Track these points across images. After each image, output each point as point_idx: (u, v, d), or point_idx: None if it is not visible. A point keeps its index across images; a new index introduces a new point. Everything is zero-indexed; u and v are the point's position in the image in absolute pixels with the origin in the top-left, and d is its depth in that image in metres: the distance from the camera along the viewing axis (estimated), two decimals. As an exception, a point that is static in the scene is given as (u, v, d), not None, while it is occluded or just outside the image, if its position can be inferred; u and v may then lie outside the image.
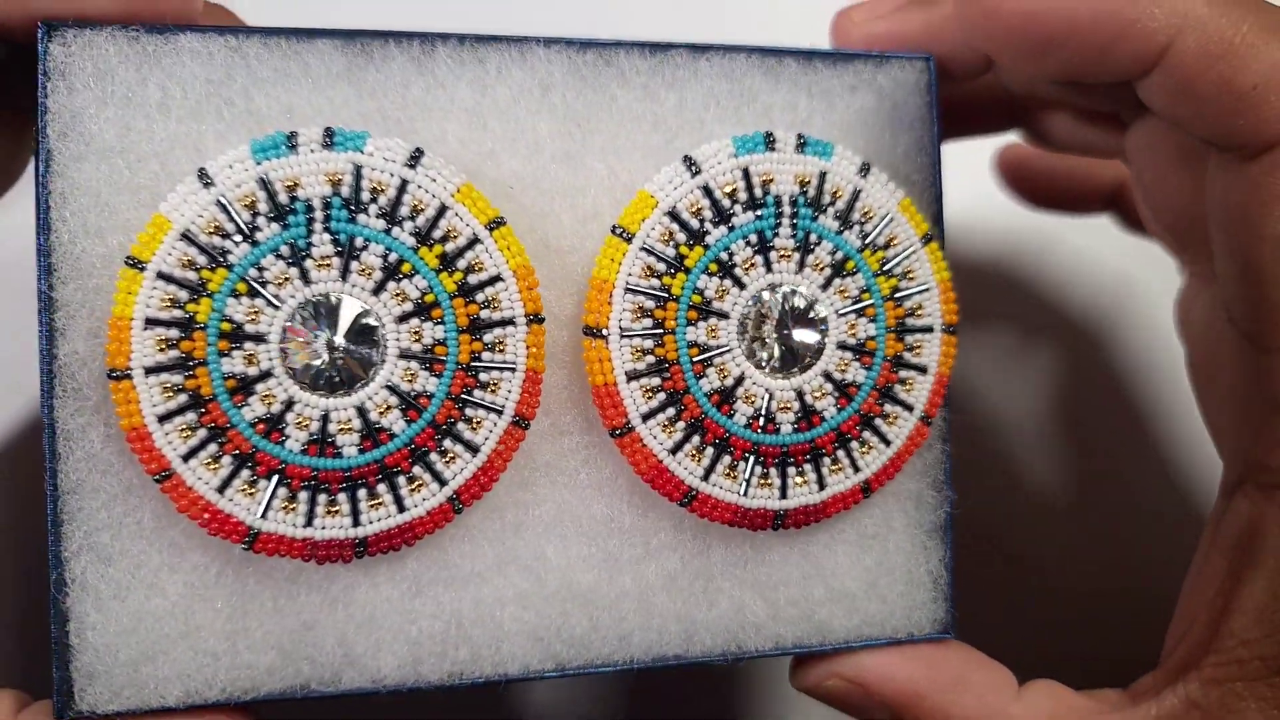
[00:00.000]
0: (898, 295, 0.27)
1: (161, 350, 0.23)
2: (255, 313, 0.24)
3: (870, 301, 0.27)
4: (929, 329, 0.28)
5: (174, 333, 0.23)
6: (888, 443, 0.27)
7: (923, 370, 0.28)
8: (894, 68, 0.29)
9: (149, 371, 0.23)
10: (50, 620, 0.23)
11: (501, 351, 0.25)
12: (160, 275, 0.23)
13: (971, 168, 0.30)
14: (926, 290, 0.28)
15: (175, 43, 0.24)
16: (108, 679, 0.24)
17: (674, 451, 0.26)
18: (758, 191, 0.26)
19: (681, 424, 0.26)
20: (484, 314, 0.25)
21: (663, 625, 0.27)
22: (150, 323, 0.23)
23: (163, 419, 0.23)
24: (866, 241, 0.27)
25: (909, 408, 0.28)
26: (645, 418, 0.26)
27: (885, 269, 0.27)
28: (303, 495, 0.24)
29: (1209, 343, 0.28)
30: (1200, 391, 0.28)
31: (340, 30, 0.25)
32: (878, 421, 0.27)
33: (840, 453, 0.27)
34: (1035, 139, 0.33)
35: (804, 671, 0.29)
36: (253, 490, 0.24)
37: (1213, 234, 0.26)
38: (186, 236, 0.23)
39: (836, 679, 0.28)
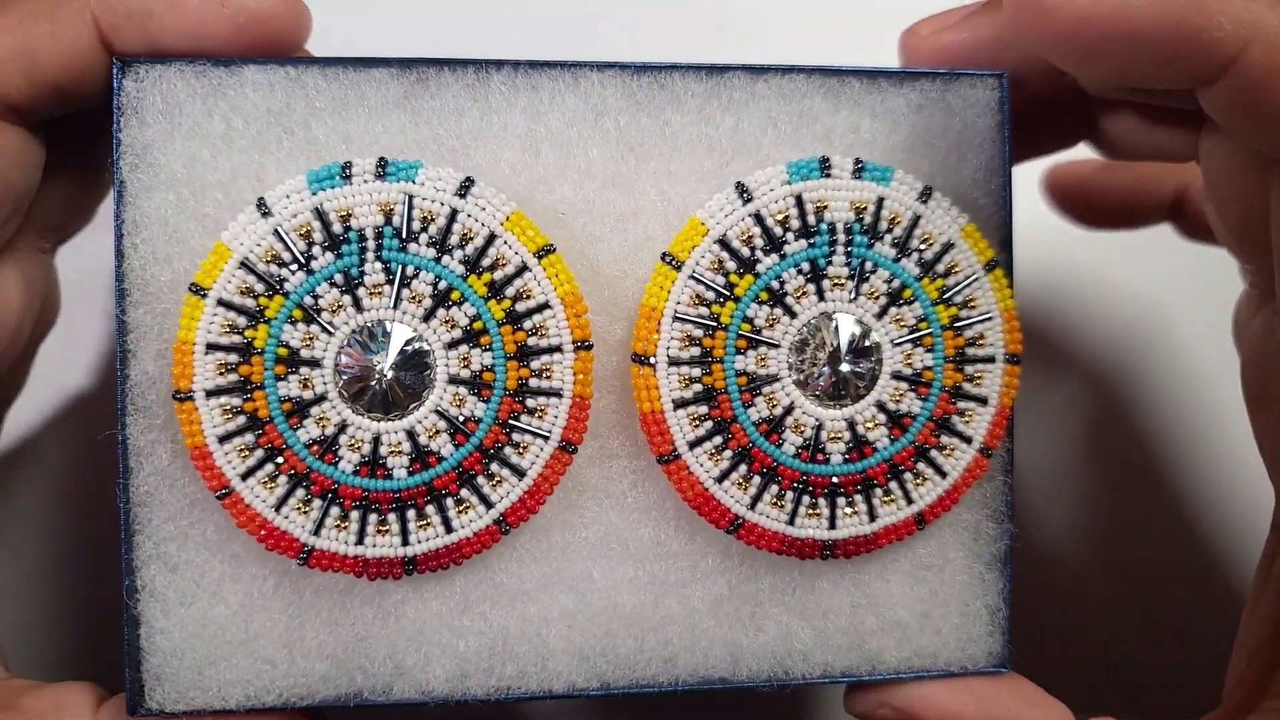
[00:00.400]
0: (958, 324, 0.27)
1: (221, 374, 0.24)
2: (310, 339, 0.25)
3: (928, 330, 0.26)
4: (991, 359, 0.27)
5: (233, 357, 0.24)
6: (944, 475, 0.27)
7: (983, 401, 0.27)
8: (963, 86, 0.28)
9: (209, 394, 0.24)
10: (123, 624, 0.25)
11: (548, 378, 0.25)
12: (220, 302, 0.24)
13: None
14: (988, 319, 0.27)
15: (239, 75, 0.25)
16: (174, 681, 0.25)
17: (720, 480, 0.26)
18: (811, 219, 0.26)
19: (729, 452, 0.26)
20: (531, 341, 0.25)
21: (709, 649, 0.27)
22: (211, 348, 0.24)
23: (222, 439, 0.24)
24: (925, 269, 0.26)
25: (967, 440, 0.27)
26: (692, 445, 0.26)
27: (945, 297, 0.27)
28: (354, 515, 0.25)
29: (1264, 356, 0.27)
30: (1252, 407, 0.27)
31: (397, 59, 0.26)
32: (933, 453, 0.27)
33: (893, 484, 0.27)
34: (1104, 147, 0.31)
35: (856, 699, 0.28)
36: (307, 509, 0.25)
37: (1276, 249, 0.25)
38: (245, 264, 0.24)
39: (887, 709, 0.28)
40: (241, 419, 0.24)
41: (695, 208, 0.27)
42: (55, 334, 0.28)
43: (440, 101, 0.26)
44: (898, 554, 0.28)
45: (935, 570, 0.28)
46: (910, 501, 0.27)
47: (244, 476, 0.24)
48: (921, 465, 0.27)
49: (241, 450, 0.24)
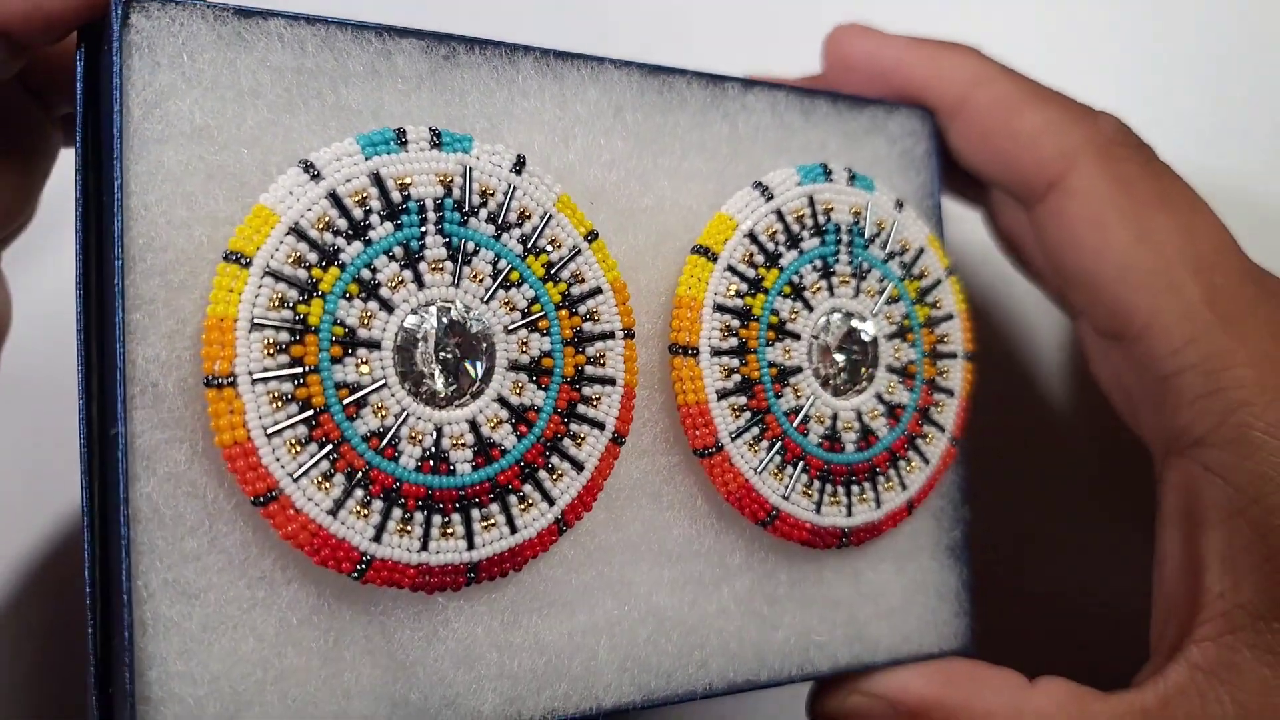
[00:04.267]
0: (931, 322, 0.30)
1: (270, 354, 0.21)
2: (369, 316, 0.22)
3: (910, 327, 0.29)
4: (954, 355, 0.30)
5: (284, 336, 0.21)
6: (927, 461, 0.29)
7: (950, 393, 0.30)
8: (902, 116, 0.32)
9: (255, 380, 0.21)
10: (126, 668, 0.20)
11: (603, 365, 0.25)
12: (269, 272, 0.21)
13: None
14: (951, 319, 0.30)
15: (265, 27, 0.23)
16: (192, 739, 0.21)
17: (759, 471, 0.27)
18: (820, 219, 0.28)
19: (765, 443, 0.27)
20: (586, 326, 0.25)
21: (736, 649, 0.27)
22: (257, 325, 0.21)
23: (272, 434, 0.21)
24: (906, 271, 0.29)
25: (941, 429, 0.30)
26: (734, 437, 0.26)
27: (922, 298, 0.30)
28: (418, 517, 0.22)
29: (1103, 364, 0.31)
30: (1121, 409, 0.32)
31: (429, 31, 0.25)
32: (919, 441, 0.29)
33: (892, 471, 0.29)
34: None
35: (823, 696, 0.29)
36: (366, 511, 0.22)
37: (1049, 279, 0.32)
38: (296, 230, 0.22)
39: (858, 695, 0.29)
40: (293, 407, 0.21)
41: (701, 205, 0.28)
42: None
43: (469, 80, 0.25)
44: (884, 543, 0.30)
45: (913, 557, 0.30)
46: (905, 488, 0.29)
47: (296, 477, 0.21)
48: (911, 453, 0.29)
49: (292, 445, 0.21)
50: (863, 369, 0.28)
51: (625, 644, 0.26)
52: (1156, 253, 0.29)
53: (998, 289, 0.39)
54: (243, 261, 0.21)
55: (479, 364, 0.23)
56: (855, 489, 0.28)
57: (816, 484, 0.27)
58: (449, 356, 0.23)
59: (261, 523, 0.21)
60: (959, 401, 0.30)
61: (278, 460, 0.21)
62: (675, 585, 0.27)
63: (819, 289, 0.28)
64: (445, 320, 0.23)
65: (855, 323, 0.28)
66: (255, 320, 0.21)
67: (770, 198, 0.28)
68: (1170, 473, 0.29)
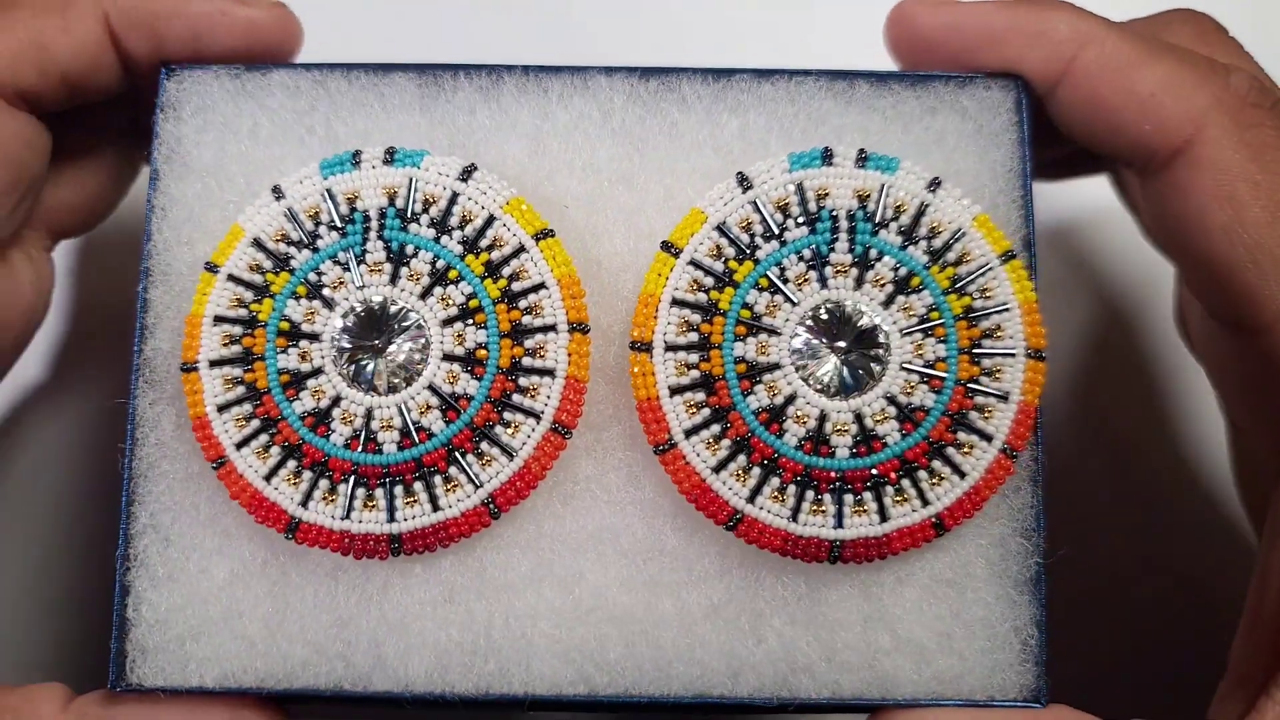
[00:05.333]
0: (972, 315, 0.26)
1: (225, 345, 0.26)
2: (312, 313, 0.26)
3: (939, 321, 0.26)
4: (1011, 353, 0.26)
5: (238, 329, 0.26)
6: (962, 475, 0.26)
7: (1004, 398, 0.26)
8: (978, 88, 0.28)
9: (213, 364, 0.26)
10: (113, 596, 0.26)
11: (542, 357, 0.26)
12: (230, 277, 0.26)
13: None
14: (1006, 310, 0.26)
15: (268, 78, 0.28)
16: (156, 655, 0.26)
17: (717, 470, 0.26)
18: (812, 206, 0.26)
19: (727, 441, 0.26)
20: (526, 320, 0.26)
21: (705, 659, 0.26)
22: (219, 320, 0.26)
23: (221, 408, 0.25)
24: (934, 257, 0.26)
25: (988, 437, 0.26)
26: (688, 433, 0.26)
27: (957, 286, 0.26)
28: (342, 488, 0.25)
29: (1213, 347, 0.29)
30: (1225, 401, 0.29)
31: (414, 64, 0.28)
32: (950, 451, 0.26)
33: (905, 482, 0.26)
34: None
35: None
36: (297, 480, 0.25)
37: (1170, 252, 0.29)
38: (256, 242, 0.26)
39: None
40: (241, 389, 0.26)
41: (701, 200, 0.27)
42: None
43: (454, 103, 0.28)
44: (914, 564, 0.26)
45: (957, 587, 0.27)
46: (926, 502, 0.26)
47: (239, 446, 0.25)
48: (937, 463, 0.26)
49: (239, 420, 0.26)
50: (865, 366, 0.26)
51: (566, 635, 0.26)
52: None
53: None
54: (215, 269, 0.26)
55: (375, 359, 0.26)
56: (849, 498, 0.25)
57: (793, 489, 0.25)
58: (348, 346, 0.26)
59: (223, 485, 0.26)
60: (1016, 406, 0.26)
61: (225, 431, 0.25)
62: (631, 584, 0.26)
63: (805, 280, 0.26)
64: (354, 315, 0.26)
65: (851, 314, 0.26)
66: (217, 316, 0.26)
67: (749, 188, 0.26)
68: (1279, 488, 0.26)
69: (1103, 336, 0.34)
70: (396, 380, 0.26)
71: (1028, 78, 0.28)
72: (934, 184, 0.27)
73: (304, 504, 0.25)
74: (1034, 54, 0.28)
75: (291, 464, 0.25)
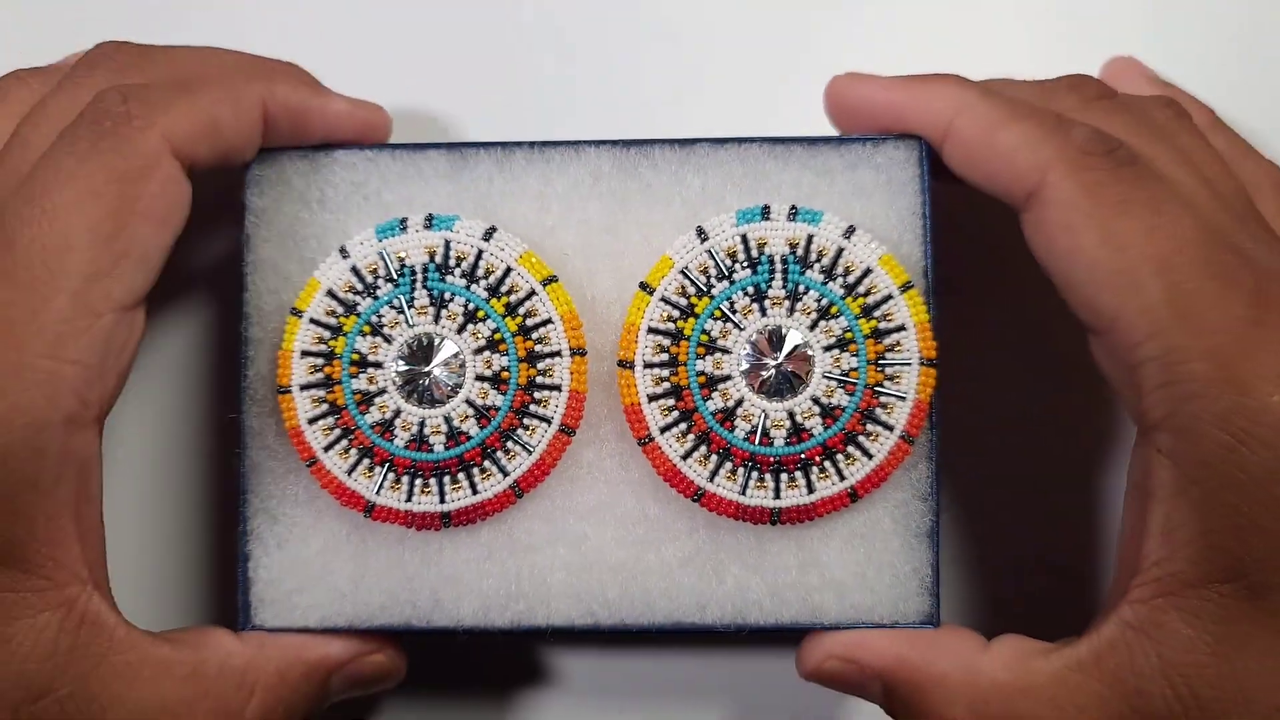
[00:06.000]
0: (878, 334, 0.34)
1: (311, 373, 0.34)
2: (376, 347, 0.34)
3: (852, 339, 0.34)
4: (907, 362, 0.34)
5: (320, 361, 0.34)
6: (870, 456, 0.34)
7: (902, 397, 0.34)
8: (888, 148, 0.36)
9: (303, 388, 0.34)
10: (237, 560, 0.34)
11: (551, 376, 0.34)
12: (311, 320, 0.34)
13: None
14: (903, 329, 0.34)
15: (331, 156, 0.35)
16: (272, 605, 0.35)
17: (685, 457, 0.34)
18: (754, 252, 0.34)
19: (692, 436, 0.34)
20: (538, 348, 0.34)
21: (680, 597, 0.35)
22: (304, 354, 0.34)
23: (311, 421, 0.34)
24: (849, 290, 0.34)
25: (889, 428, 0.34)
26: (662, 430, 0.34)
27: (866, 312, 0.34)
28: (405, 479, 0.34)
29: (1096, 354, 0.33)
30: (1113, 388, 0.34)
31: (444, 144, 0.36)
32: (861, 439, 0.34)
33: (827, 463, 0.34)
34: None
35: (805, 657, 0.35)
36: (371, 474, 0.34)
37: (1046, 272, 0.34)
38: (330, 293, 0.34)
39: (833, 660, 0.34)
40: (325, 406, 0.34)
41: (669, 248, 0.35)
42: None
43: (475, 173, 0.36)
44: (836, 523, 0.35)
45: (868, 539, 0.35)
46: (843, 478, 0.34)
47: (326, 449, 0.34)
48: (851, 449, 0.34)
49: (325, 429, 0.34)
50: (795, 376, 0.34)
51: (576, 581, 0.35)
52: (1120, 254, 0.31)
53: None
54: (299, 314, 0.34)
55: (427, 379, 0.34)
56: (784, 476, 0.34)
57: (742, 470, 0.34)
58: (404, 370, 0.34)
59: (315, 479, 0.34)
60: (913, 403, 0.34)
61: (315, 439, 0.34)
62: (624, 543, 0.35)
63: (749, 311, 0.34)
64: (407, 347, 0.34)
65: (784, 336, 0.34)
66: (303, 350, 0.34)
67: (705, 239, 0.34)
68: (1134, 452, 0.32)
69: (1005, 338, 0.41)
70: (443, 395, 0.34)
71: (924, 137, 0.35)
72: (849, 231, 0.34)
73: (377, 492, 0.34)
74: (923, 120, 0.35)
75: (366, 462, 0.34)
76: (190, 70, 0.34)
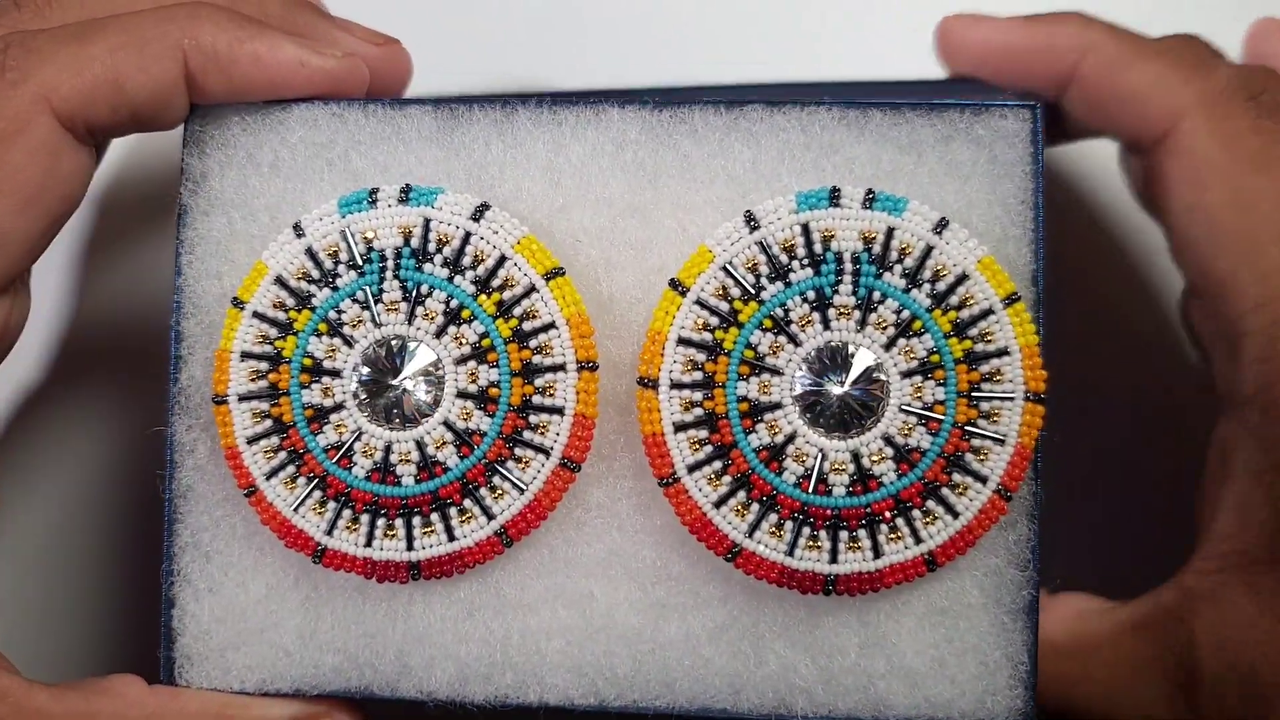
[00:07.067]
0: (972, 358, 0.26)
1: (253, 380, 0.27)
2: (333, 351, 0.27)
3: (940, 364, 0.26)
4: (1009, 396, 0.26)
5: (264, 365, 0.27)
6: (955, 514, 0.27)
7: (1000, 440, 0.26)
8: (993, 117, 0.28)
9: (241, 398, 0.27)
10: (161, 608, 0.28)
11: (551, 395, 0.27)
12: (255, 314, 0.27)
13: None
14: (1006, 354, 0.26)
15: (288, 112, 0.28)
16: (201, 662, 0.28)
17: (719, 505, 0.27)
18: (818, 248, 0.27)
19: (728, 478, 0.27)
20: (536, 359, 0.27)
21: (708, 677, 0.28)
22: (245, 355, 0.27)
23: (250, 441, 0.27)
24: (937, 301, 0.26)
25: (982, 479, 0.26)
26: (691, 469, 0.27)
27: (958, 330, 0.26)
28: (364, 518, 0.27)
29: (1195, 318, 0.32)
30: (1209, 361, 0.32)
31: (431, 99, 0.28)
32: (944, 491, 0.27)
33: (900, 520, 0.27)
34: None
35: None
36: (322, 510, 0.27)
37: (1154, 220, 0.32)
38: (279, 280, 0.27)
39: None
40: (268, 422, 0.27)
41: (708, 238, 0.28)
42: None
43: (469, 135, 0.28)
44: (910, 595, 0.28)
45: (951, 616, 0.28)
46: (919, 540, 0.27)
47: (268, 477, 0.27)
48: (931, 503, 0.27)
49: (267, 452, 0.27)
50: (864, 407, 0.26)
51: (578, 651, 0.28)
52: (1245, 215, 0.29)
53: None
54: (241, 305, 0.27)
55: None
56: (844, 535, 0.26)
57: (790, 525, 0.26)
58: (367, 382, 0.27)
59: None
60: (1014, 448, 0.26)
61: (255, 463, 0.27)
62: (639, 606, 0.28)
63: (808, 322, 0.26)
64: (373, 352, 0.27)
65: (852, 355, 0.26)
66: (244, 352, 0.27)
67: (756, 228, 0.27)
68: (1220, 425, 0.31)
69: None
70: (416, 414, 0.27)
71: (1045, 85, 0.31)
72: (940, 225, 0.27)
73: (329, 532, 0.27)
74: (1045, 64, 0.31)
75: (317, 494, 0.27)
76: (102, 13, 0.28)
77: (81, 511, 0.33)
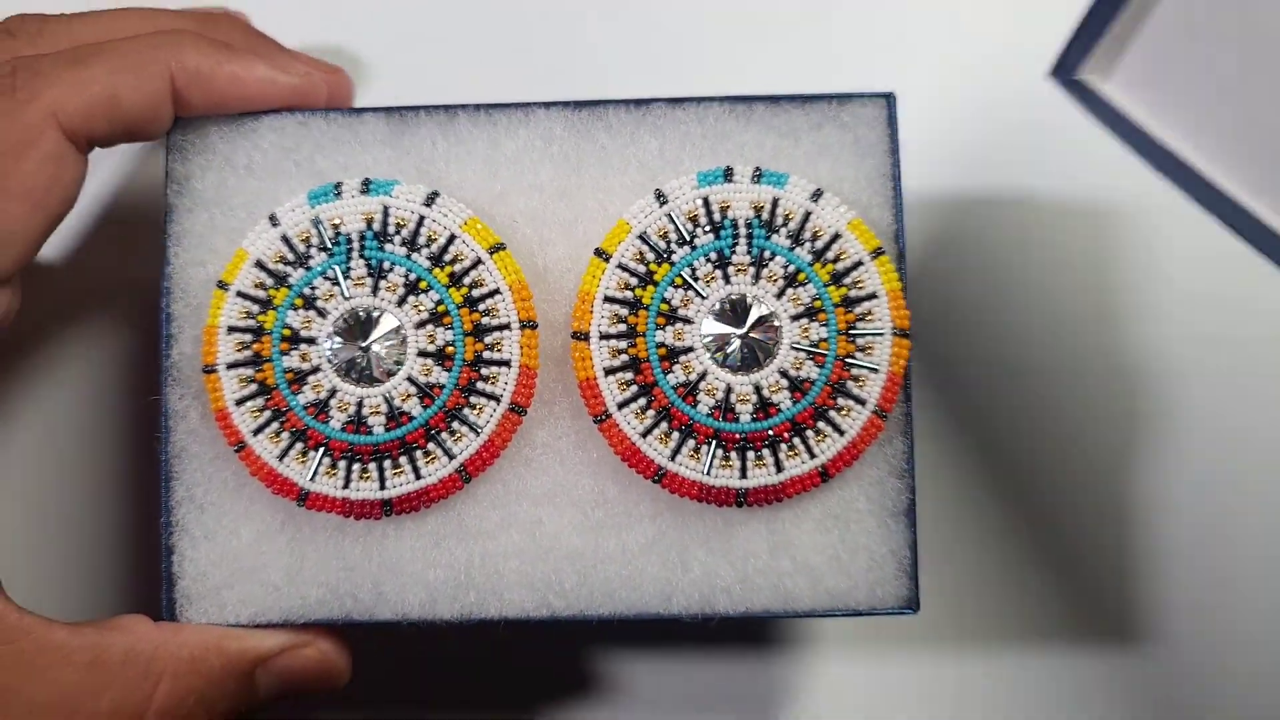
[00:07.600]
0: (848, 302, 0.32)
1: (238, 350, 0.31)
2: (308, 322, 0.31)
3: (822, 308, 0.32)
4: (880, 333, 0.32)
5: (248, 337, 0.31)
6: (842, 432, 0.32)
7: (874, 369, 0.32)
8: (856, 105, 0.33)
9: (229, 366, 0.31)
10: (161, 555, 0.32)
11: (499, 351, 0.31)
12: (239, 294, 0.31)
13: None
14: (875, 298, 0.32)
15: (259, 121, 0.33)
16: (199, 601, 0.32)
17: (645, 435, 0.31)
18: (717, 216, 0.32)
19: (651, 412, 0.31)
20: (485, 320, 0.31)
21: (643, 586, 0.32)
22: (231, 329, 0.31)
23: (238, 402, 0.31)
24: (817, 256, 0.32)
25: (861, 401, 0.32)
26: (620, 406, 0.32)
27: (836, 280, 0.32)
28: (341, 464, 0.31)
29: None
30: None
31: (383, 108, 0.33)
32: (832, 414, 0.32)
33: (796, 440, 0.32)
34: None
35: None
36: (304, 459, 0.31)
37: None
38: (259, 264, 0.31)
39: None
40: (254, 386, 0.31)
41: (626, 213, 0.33)
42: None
43: (417, 136, 0.33)
44: (808, 504, 0.33)
45: (843, 520, 0.33)
46: (813, 456, 0.32)
47: (255, 433, 0.31)
48: (822, 424, 0.32)
49: (254, 412, 0.31)
50: (761, 347, 0.32)
51: (530, 569, 0.32)
52: None
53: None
54: (225, 287, 0.31)
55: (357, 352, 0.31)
56: (751, 455, 0.31)
57: (705, 449, 0.31)
58: (339, 347, 0.31)
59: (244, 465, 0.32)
60: (886, 376, 0.32)
61: (243, 422, 0.31)
62: (581, 528, 0.32)
63: (712, 278, 0.32)
64: (343, 322, 0.31)
65: (750, 304, 0.32)
66: (230, 326, 0.31)
67: (664, 202, 0.32)
68: None
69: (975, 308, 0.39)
70: (383, 372, 0.31)
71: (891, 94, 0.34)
72: (816, 194, 0.32)
73: (311, 478, 0.31)
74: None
75: (299, 446, 0.31)
76: (91, 40, 0.32)
77: (87, 474, 0.37)
